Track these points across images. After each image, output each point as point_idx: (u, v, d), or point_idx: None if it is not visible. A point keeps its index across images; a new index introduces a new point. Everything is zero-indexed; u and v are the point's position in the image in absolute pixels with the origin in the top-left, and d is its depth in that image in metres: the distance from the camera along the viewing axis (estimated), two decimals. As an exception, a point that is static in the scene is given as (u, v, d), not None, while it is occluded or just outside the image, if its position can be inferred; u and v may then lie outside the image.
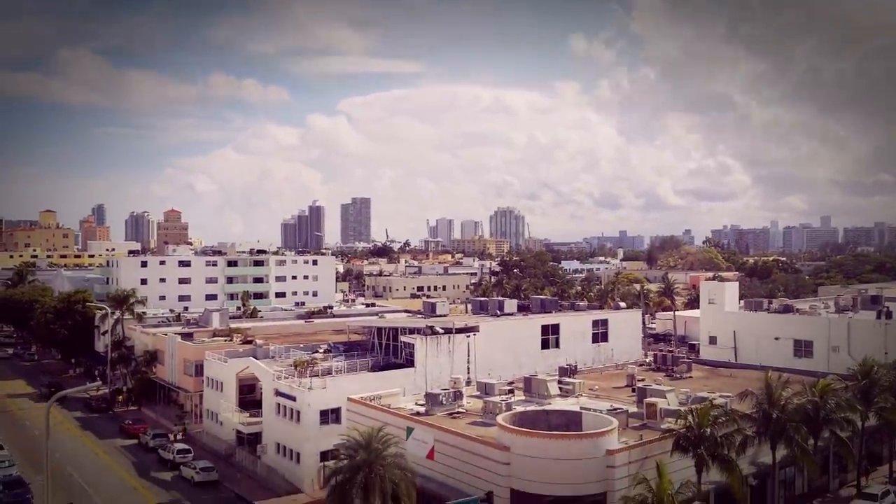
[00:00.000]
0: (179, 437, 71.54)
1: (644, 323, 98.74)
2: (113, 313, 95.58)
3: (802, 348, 75.00)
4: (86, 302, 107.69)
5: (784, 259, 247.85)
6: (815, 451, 48.68)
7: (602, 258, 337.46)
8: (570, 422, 44.62)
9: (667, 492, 35.01)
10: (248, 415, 66.43)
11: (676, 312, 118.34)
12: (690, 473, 39.58)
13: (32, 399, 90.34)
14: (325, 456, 54.78)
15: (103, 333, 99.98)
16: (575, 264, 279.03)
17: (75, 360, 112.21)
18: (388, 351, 69.32)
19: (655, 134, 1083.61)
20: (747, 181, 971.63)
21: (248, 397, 69.75)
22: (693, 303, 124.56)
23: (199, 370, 75.48)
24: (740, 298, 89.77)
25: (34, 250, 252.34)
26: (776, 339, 76.25)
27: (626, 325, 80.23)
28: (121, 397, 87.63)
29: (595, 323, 76.89)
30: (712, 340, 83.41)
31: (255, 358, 68.33)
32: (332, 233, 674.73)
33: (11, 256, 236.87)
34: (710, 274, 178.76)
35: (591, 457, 39.66)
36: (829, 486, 55.53)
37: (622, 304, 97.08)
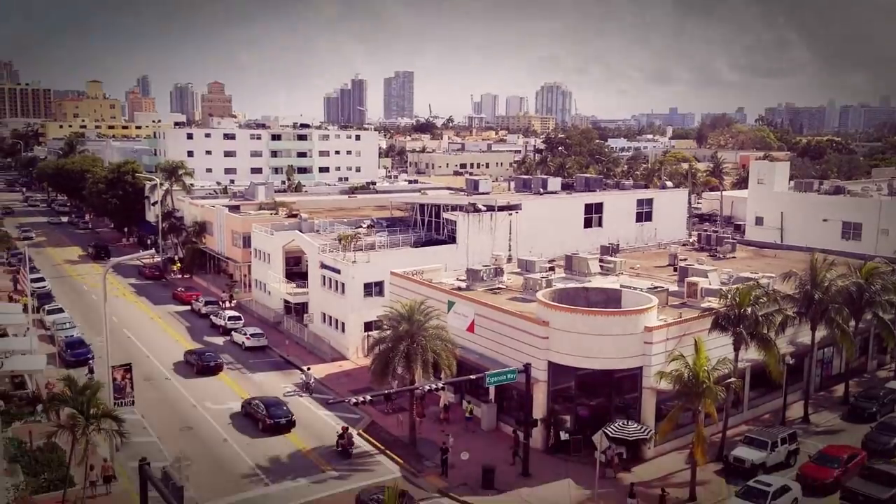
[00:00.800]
0: (229, 304, 74.21)
1: (690, 203, 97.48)
2: (162, 184, 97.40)
3: (851, 230, 73.66)
4: (135, 172, 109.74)
5: (839, 139, 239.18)
6: (856, 333, 48.72)
7: (650, 136, 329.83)
8: (610, 299, 45.09)
9: (702, 367, 35.56)
10: (294, 285, 68.43)
11: (724, 192, 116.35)
12: (728, 352, 40.05)
13: (88, 264, 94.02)
14: (368, 326, 56.62)
15: (153, 204, 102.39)
16: (622, 142, 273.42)
17: (128, 230, 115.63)
18: (430, 227, 69.89)
19: (713, 5, 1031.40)
20: (806, 57, 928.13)
21: (294, 269, 71.64)
22: (741, 183, 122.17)
23: (246, 242, 77.38)
24: (790, 179, 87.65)
25: (83, 121, 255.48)
26: (824, 220, 74.85)
27: (671, 204, 79.38)
28: (176, 266, 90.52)
29: (640, 202, 76.16)
30: (759, 221, 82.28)
31: (301, 231, 69.64)
32: (374, 107, 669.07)
33: (61, 126, 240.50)
34: (761, 153, 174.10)
35: (628, 333, 40.28)
36: (866, 367, 55.90)
37: (669, 184, 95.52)
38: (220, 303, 73.98)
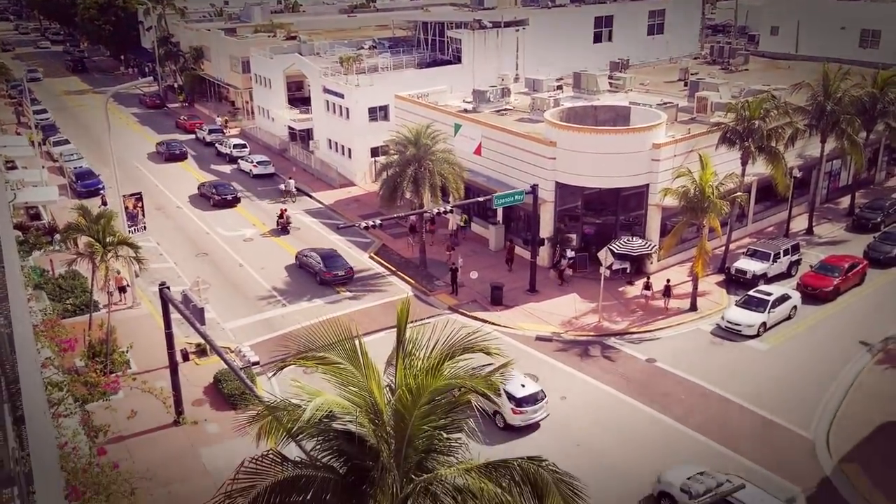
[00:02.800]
0: (225, 128, 74.35)
1: (703, 13, 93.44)
2: (154, 7, 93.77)
3: (869, 38, 71.00)
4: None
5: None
6: (866, 144, 48.34)
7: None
8: (618, 116, 44.48)
9: (708, 182, 35.68)
10: (297, 111, 67.56)
11: (738, 1, 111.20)
12: (735, 166, 40.00)
13: (87, 95, 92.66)
14: (374, 151, 56.48)
15: (148, 29, 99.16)
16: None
17: (124, 58, 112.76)
18: (434, 47, 67.74)
19: None
20: None
21: (297, 94, 70.43)
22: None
23: (245, 67, 75.52)
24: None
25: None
26: (842, 28, 72.00)
27: (683, 15, 76.13)
28: (181, 96, 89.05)
29: (651, 14, 73.06)
30: (774, 31, 79.25)
31: (301, 54, 67.70)
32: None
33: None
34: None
35: (636, 151, 40.09)
36: (874, 178, 55.95)
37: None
38: (217, 120, 73.65)
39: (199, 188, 57.61)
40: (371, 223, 38.33)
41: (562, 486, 14.01)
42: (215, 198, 55.05)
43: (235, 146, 66.49)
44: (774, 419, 29.62)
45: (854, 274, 39.88)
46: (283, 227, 49.41)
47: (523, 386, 29.09)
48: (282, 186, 57.37)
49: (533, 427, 29.01)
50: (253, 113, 76.97)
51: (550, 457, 14.40)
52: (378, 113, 57.42)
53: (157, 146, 68.60)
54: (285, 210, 51.04)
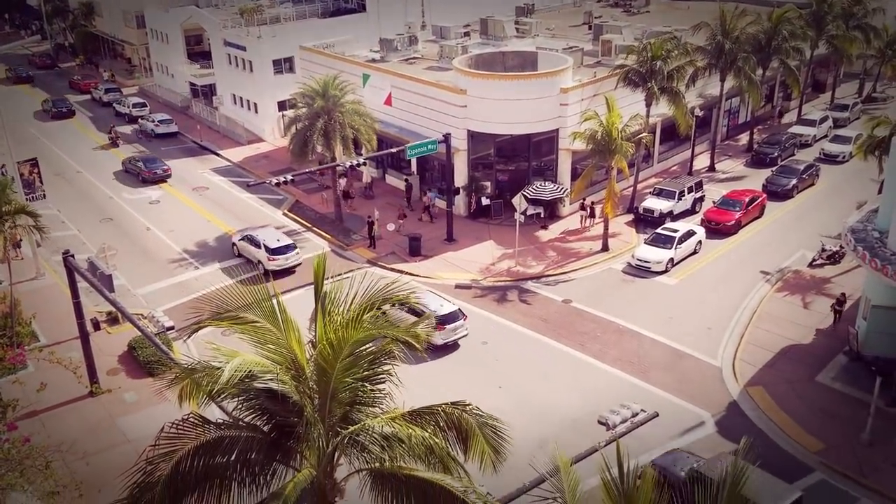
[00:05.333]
0: (111, 82, 71.86)
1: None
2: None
3: (764, -22, 72.92)
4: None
5: None
6: (763, 81, 50.10)
7: None
8: (526, 62, 44.67)
9: (615, 124, 36.40)
10: (198, 66, 65.11)
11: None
12: (640, 108, 40.86)
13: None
14: (282, 105, 55.15)
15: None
16: None
17: (8, 16, 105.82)
18: (337, -6, 66.03)
19: None
20: None
21: (196, 48, 67.78)
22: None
23: (140, 21, 72.06)
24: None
25: None
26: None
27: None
28: (80, 58, 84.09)
29: (554, -44, 72.94)
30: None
31: (198, 7, 64.95)
32: None
33: None
34: None
35: (545, 96, 40.43)
36: (771, 115, 58.18)
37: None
38: (104, 74, 71.09)
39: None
40: (283, 179, 37.57)
41: (486, 428, 14.36)
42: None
43: (135, 105, 63.77)
44: (684, 350, 30.98)
45: (754, 207, 41.67)
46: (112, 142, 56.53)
47: (442, 306, 30.83)
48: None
49: (452, 347, 29.81)
50: (151, 70, 73.77)
51: (473, 400, 14.70)
52: (283, 65, 55.95)
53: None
54: (113, 126, 59.04)
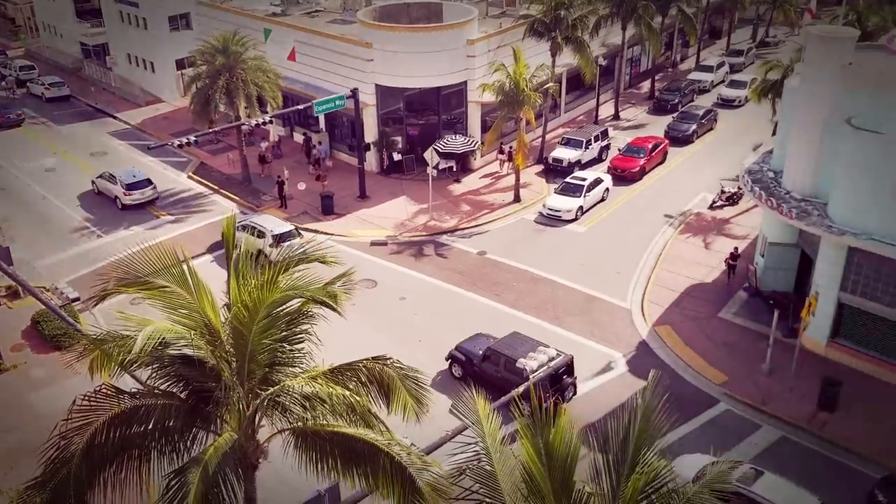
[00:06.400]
0: None
1: None
2: None
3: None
4: None
5: None
6: (662, 28, 51.21)
7: None
8: (431, 13, 44.26)
9: (522, 76, 36.63)
10: (89, 25, 61.80)
11: None
12: (545, 58, 41.21)
13: None
14: (181, 64, 53.08)
15: None
16: None
17: None
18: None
19: None
20: None
21: (87, 6, 64.21)
22: None
23: (20, -22, 67.72)
24: None
25: None
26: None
27: None
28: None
29: None
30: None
31: (84, -40, 61.43)
32: None
33: None
34: None
35: (451, 48, 40.24)
36: (671, 62, 59.63)
37: None
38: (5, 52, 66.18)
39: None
40: (185, 140, 36.33)
41: (407, 381, 14.54)
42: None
43: (22, 68, 60.15)
44: (596, 294, 31.92)
45: (657, 153, 42.91)
46: None
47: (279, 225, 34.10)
48: None
49: (371, 304, 29.82)
50: (37, 30, 69.57)
51: (394, 354, 14.84)
52: (179, 22, 53.72)
53: None
54: None
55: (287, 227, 34.82)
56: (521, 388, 20.85)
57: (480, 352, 26.22)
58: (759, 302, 30.08)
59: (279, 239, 32.98)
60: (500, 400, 19.83)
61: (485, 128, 41.92)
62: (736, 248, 32.54)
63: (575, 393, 25.56)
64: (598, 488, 10.50)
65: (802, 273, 29.03)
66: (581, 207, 37.75)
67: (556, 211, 37.59)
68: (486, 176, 42.89)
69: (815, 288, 26.68)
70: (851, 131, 24.90)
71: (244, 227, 34.08)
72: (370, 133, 42.02)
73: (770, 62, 39.64)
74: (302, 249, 14.14)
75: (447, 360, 27.17)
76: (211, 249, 34.78)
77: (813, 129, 26.85)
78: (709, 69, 55.37)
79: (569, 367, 25.34)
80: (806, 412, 24.76)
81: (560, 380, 25.01)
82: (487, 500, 10.67)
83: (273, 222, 35.21)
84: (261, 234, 33.72)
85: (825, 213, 26.18)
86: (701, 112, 47.39)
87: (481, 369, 25.93)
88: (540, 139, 44.07)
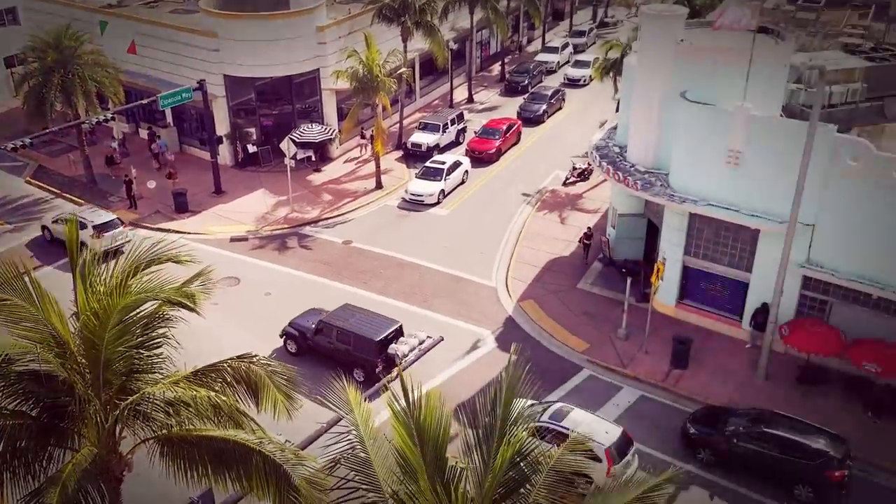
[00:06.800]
0: None
1: None
2: None
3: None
4: None
5: None
6: (508, 12, 52.50)
7: None
8: (278, 0, 43.24)
9: (375, 61, 36.58)
10: None
11: None
12: (397, 43, 41.31)
13: None
14: (10, 61, 49.40)
15: None
16: None
17: None
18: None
19: None
20: None
21: None
22: None
23: None
24: None
25: None
26: None
27: None
28: None
29: None
30: None
31: None
32: None
33: None
34: None
35: (300, 35, 39.54)
36: (519, 44, 61.21)
37: None
38: None
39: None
40: (20, 143, 33.82)
41: (276, 377, 14.34)
42: None
43: None
44: (462, 275, 32.52)
45: (511, 134, 44.05)
46: None
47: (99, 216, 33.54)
48: None
49: (233, 302, 29.11)
50: None
51: (261, 351, 14.59)
52: (6, 17, 49.85)
53: None
54: None
55: (109, 216, 34.02)
56: (393, 375, 21.07)
57: (313, 325, 26.84)
58: (612, 271, 31.59)
59: (100, 229, 32.55)
60: (373, 388, 19.99)
61: (341, 115, 41.55)
62: (589, 228, 33.86)
63: (406, 355, 26.28)
64: (471, 462, 10.79)
65: (650, 241, 30.77)
66: (442, 191, 38.24)
67: (419, 195, 37.89)
68: (349, 161, 42.70)
69: (662, 254, 28.35)
70: (685, 104, 26.52)
71: (64, 221, 32.13)
72: (222, 126, 40.71)
73: (610, 42, 41.52)
74: (152, 249, 13.58)
75: (281, 336, 27.60)
76: (58, 257, 32.70)
77: (651, 104, 28.41)
78: (554, 50, 57.27)
79: (398, 333, 26.33)
80: (661, 371, 26.35)
81: (389, 346, 25.93)
82: (363, 487, 10.75)
83: (94, 213, 34.23)
84: (82, 226, 31.93)
85: (667, 184, 27.80)
86: (549, 92, 48.99)
87: (315, 342, 26.77)
88: (398, 125, 44.21)
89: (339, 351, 26.11)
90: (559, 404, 23.02)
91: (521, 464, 10.67)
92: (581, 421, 21.60)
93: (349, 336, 25.94)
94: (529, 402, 22.27)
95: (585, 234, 33.35)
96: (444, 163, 39.22)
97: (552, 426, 21.37)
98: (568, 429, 20.57)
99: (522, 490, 10.74)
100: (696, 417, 23.50)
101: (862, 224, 23.93)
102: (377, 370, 25.41)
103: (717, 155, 25.81)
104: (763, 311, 26.03)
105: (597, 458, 19.84)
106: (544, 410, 22.28)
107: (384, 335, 25.70)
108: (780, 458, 21.38)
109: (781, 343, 25.50)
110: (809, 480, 21.02)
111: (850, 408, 24.33)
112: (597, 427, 21.54)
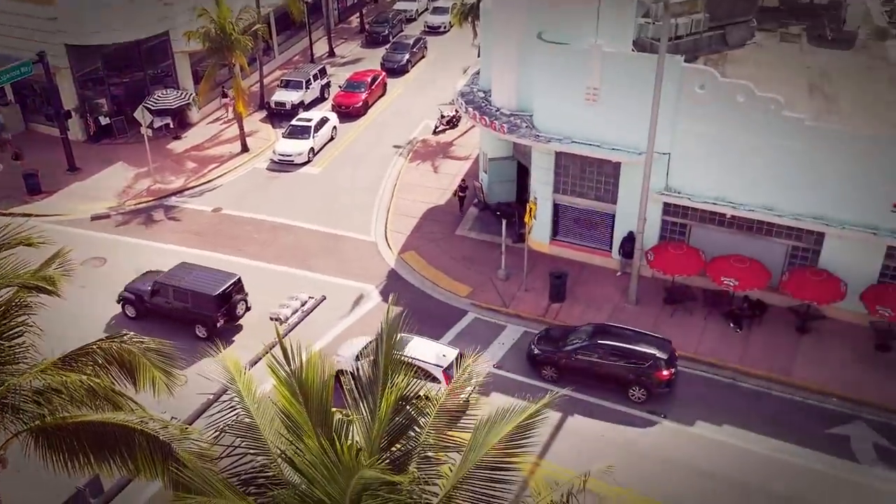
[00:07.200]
0: None
1: None
2: None
3: None
4: None
5: None
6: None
7: None
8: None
9: (227, 19, 35.22)
10: None
11: None
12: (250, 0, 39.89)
13: None
14: None
15: None
16: None
17: None
18: None
19: None
20: None
21: None
22: None
23: None
24: None
25: None
26: None
27: None
28: None
29: None
30: None
31: None
32: None
33: None
34: None
35: (145, -3, 37.47)
36: (376, -6, 60.20)
37: None
38: None
39: None
40: None
41: (150, 354, 13.93)
42: None
43: None
44: (340, 233, 32.29)
45: (377, 86, 43.64)
46: None
47: None
48: None
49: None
50: None
51: (135, 329, 14.10)
52: None
53: None
54: None
55: None
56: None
57: (149, 287, 26.53)
58: (488, 215, 32.17)
59: None
60: (256, 355, 19.73)
61: (197, 79, 39.92)
62: (463, 180, 34.04)
63: (248, 308, 26.68)
64: (359, 413, 10.93)
65: (522, 182, 31.49)
66: (312, 149, 37.58)
67: (288, 155, 37.11)
68: (213, 122, 41.26)
69: (533, 194, 29.10)
70: (542, 46, 27.02)
71: None
72: (69, 99, 38.20)
73: (467, -14, 41.51)
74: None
75: (119, 301, 27.17)
76: None
77: (510, 48, 28.75)
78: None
79: (236, 286, 26.34)
80: (541, 306, 27.30)
81: (230, 298, 25.98)
82: (252, 451, 10.70)
83: None
84: None
85: (532, 125, 28.42)
86: (411, 41, 48.70)
87: (153, 304, 26.53)
88: (258, 84, 42.91)
89: (178, 310, 25.98)
90: (398, 336, 23.57)
91: (407, 406, 10.92)
92: (419, 348, 22.51)
93: (186, 294, 25.77)
94: (366, 338, 23.39)
95: (460, 186, 33.66)
96: (310, 120, 38.47)
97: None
98: (412, 358, 21.33)
99: (411, 432, 11.01)
100: (540, 338, 24.75)
101: (713, 148, 25.36)
102: (218, 325, 25.54)
103: (576, 93, 26.54)
104: (630, 240, 27.30)
105: (435, 380, 21.23)
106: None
107: (222, 289, 25.72)
108: (614, 365, 23.11)
109: (649, 268, 26.91)
110: (642, 382, 22.85)
111: (714, 321, 26.08)
112: (435, 351, 22.88)
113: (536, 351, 24.25)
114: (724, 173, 25.49)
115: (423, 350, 22.56)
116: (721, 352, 24.82)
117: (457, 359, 22.36)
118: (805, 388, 23.45)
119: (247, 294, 26.81)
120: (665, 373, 22.64)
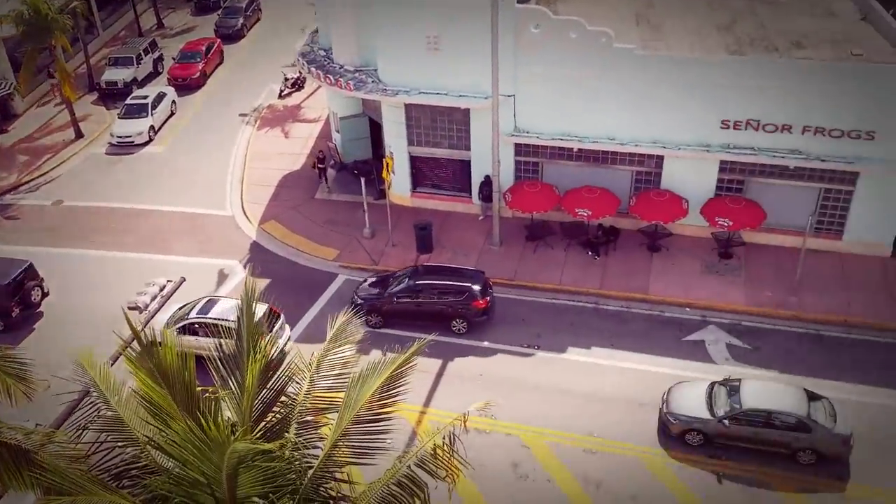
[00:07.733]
0: None
1: None
2: None
3: None
4: None
5: None
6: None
7: None
8: None
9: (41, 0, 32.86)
10: None
11: None
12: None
13: None
14: None
15: None
16: None
17: None
18: None
19: None
20: None
21: None
22: None
23: None
24: None
25: None
26: None
27: None
28: None
29: None
30: None
31: None
32: None
33: None
34: None
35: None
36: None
37: None
38: None
39: None
40: None
41: (3, 362, 13.12)
42: None
43: None
44: (196, 211, 31.20)
45: (213, 54, 41.92)
46: None
47: None
48: None
49: None
50: None
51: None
52: None
53: None
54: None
55: None
56: (141, 327, 20.02)
57: None
58: (346, 174, 31.93)
59: None
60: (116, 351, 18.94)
61: (16, 66, 37.03)
62: (321, 151, 32.90)
63: (46, 294, 26.14)
64: (228, 388, 10.77)
65: (376, 138, 31.36)
66: (152, 127, 35.88)
67: (127, 136, 35.28)
68: (42, 105, 38.52)
69: (389, 148, 29.09)
70: (378, -2, 26.73)
71: None
72: None
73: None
74: None
75: None
76: None
77: (345, 3, 28.26)
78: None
79: (28, 273, 25.76)
80: (410, 259, 27.53)
81: (22, 286, 25.42)
82: (119, 444, 10.38)
83: None
84: None
85: (378, 79, 28.23)
86: (244, 4, 46.76)
87: None
88: (85, 65, 40.31)
89: None
90: (206, 298, 23.90)
91: (270, 374, 10.86)
92: (227, 308, 22.37)
93: None
94: (179, 305, 23.21)
95: (318, 157, 32.82)
96: (146, 97, 36.61)
97: (201, 320, 22.44)
98: (216, 318, 21.60)
99: (285, 398, 10.98)
100: (361, 288, 25.17)
101: (554, 86, 26.12)
102: (13, 315, 24.94)
103: (417, 43, 26.53)
104: (487, 184, 27.89)
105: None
106: (192, 307, 23.26)
107: (12, 277, 25.01)
108: (435, 301, 24.05)
109: (508, 209, 27.63)
110: (461, 313, 23.91)
111: (574, 252, 27.21)
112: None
113: (358, 300, 24.36)
114: (567, 109, 26.35)
115: (231, 309, 20.88)
116: (583, 280, 25.97)
117: (266, 314, 20.43)
118: (662, 303, 25.00)
119: (42, 279, 26.23)
120: (481, 302, 23.75)
